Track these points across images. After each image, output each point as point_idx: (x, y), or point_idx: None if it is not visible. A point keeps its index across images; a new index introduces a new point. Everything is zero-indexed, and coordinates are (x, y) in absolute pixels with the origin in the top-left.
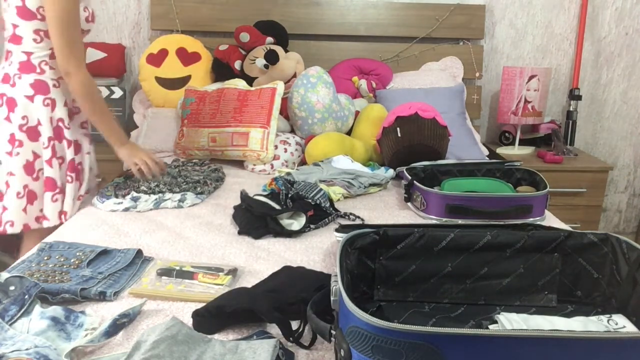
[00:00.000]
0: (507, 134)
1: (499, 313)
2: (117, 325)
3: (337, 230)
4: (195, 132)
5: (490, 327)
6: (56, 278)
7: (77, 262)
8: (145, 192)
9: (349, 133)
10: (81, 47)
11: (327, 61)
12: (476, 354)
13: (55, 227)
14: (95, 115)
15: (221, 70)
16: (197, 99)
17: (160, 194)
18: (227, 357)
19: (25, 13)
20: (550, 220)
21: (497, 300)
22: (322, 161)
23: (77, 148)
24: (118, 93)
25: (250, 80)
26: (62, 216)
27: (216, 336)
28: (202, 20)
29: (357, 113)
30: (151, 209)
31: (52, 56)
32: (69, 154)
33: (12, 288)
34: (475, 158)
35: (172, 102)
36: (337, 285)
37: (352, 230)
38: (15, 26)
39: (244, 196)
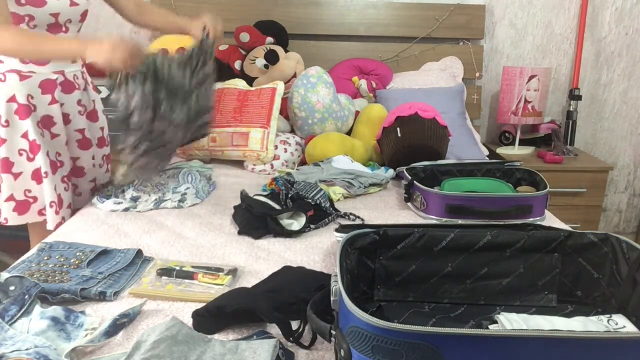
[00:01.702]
0: (507, 134)
1: (499, 313)
2: (117, 325)
3: (337, 230)
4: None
5: (490, 327)
6: (56, 278)
7: (77, 262)
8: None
9: (349, 133)
10: None
11: (327, 61)
12: (476, 354)
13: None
14: (41, 54)
15: (221, 70)
16: None
17: (160, 195)
18: (227, 357)
19: None
20: (550, 220)
21: (497, 300)
22: (322, 161)
23: (34, 148)
24: None
25: (250, 80)
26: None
27: (216, 336)
28: None
29: (357, 113)
30: (151, 209)
31: None
32: (1, 151)
33: (12, 288)
34: (475, 158)
35: None
36: (337, 285)
37: (352, 230)
38: None
39: (244, 196)
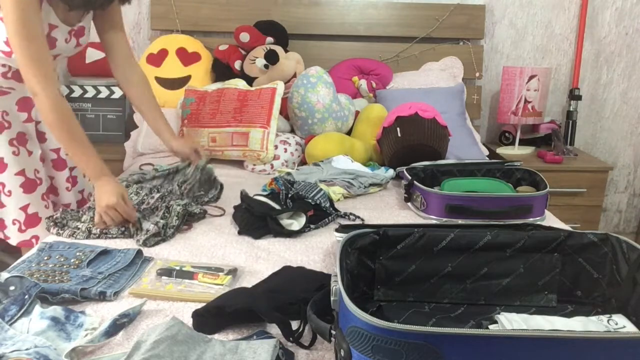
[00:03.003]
0: (507, 134)
1: (499, 313)
2: (117, 325)
3: (337, 230)
4: (195, 132)
5: (490, 327)
6: (56, 278)
7: (77, 262)
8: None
9: (349, 133)
10: (46, 64)
11: (327, 61)
12: (476, 354)
13: None
14: (67, 144)
15: (221, 70)
16: (197, 99)
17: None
18: (227, 357)
19: None
20: (550, 220)
21: (497, 300)
22: (322, 161)
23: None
24: (118, 93)
25: (250, 80)
26: None
27: (216, 336)
28: (202, 20)
29: (357, 113)
30: None
31: None
32: None
33: (12, 288)
34: (475, 158)
35: (172, 102)
36: (337, 285)
37: (352, 230)
38: None
39: (244, 196)
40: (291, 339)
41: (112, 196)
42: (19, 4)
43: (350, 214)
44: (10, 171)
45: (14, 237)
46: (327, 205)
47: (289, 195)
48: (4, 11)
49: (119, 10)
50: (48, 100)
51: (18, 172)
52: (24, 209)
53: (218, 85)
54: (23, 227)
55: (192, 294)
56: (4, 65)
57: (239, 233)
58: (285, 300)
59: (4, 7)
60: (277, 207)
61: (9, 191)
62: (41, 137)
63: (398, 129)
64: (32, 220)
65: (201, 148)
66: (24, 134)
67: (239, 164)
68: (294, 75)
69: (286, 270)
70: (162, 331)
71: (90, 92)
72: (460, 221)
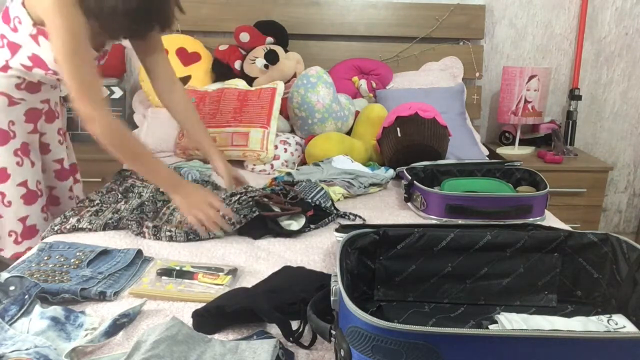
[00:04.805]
0: (507, 134)
1: (499, 313)
2: (117, 325)
3: (337, 230)
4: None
5: (490, 327)
6: (56, 278)
7: (77, 262)
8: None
9: (349, 133)
10: (98, 88)
11: (327, 61)
12: (476, 354)
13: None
14: (132, 163)
15: (221, 70)
16: (197, 99)
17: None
18: (227, 357)
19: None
20: (550, 220)
21: (497, 300)
22: (322, 161)
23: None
24: (118, 93)
25: (250, 80)
26: None
27: (216, 336)
28: (202, 20)
29: (357, 113)
30: None
31: None
32: None
33: (12, 288)
34: (475, 158)
35: None
36: (337, 285)
37: (352, 230)
38: None
39: None
40: (291, 339)
41: (202, 196)
42: (71, 30)
43: (350, 213)
44: (12, 182)
45: (9, 249)
46: (329, 204)
47: (289, 196)
48: (53, 36)
49: (158, 35)
50: (105, 124)
51: (20, 183)
52: (22, 220)
53: (218, 85)
54: (19, 239)
55: (192, 294)
56: (19, 77)
57: (239, 233)
58: (285, 300)
59: (54, 32)
60: (276, 207)
61: (9, 202)
62: (45, 148)
63: (398, 129)
64: (29, 232)
65: (242, 177)
66: (27, 145)
67: (239, 164)
68: (294, 75)
69: (286, 270)
70: (162, 331)
71: None
72: (460, 221)
